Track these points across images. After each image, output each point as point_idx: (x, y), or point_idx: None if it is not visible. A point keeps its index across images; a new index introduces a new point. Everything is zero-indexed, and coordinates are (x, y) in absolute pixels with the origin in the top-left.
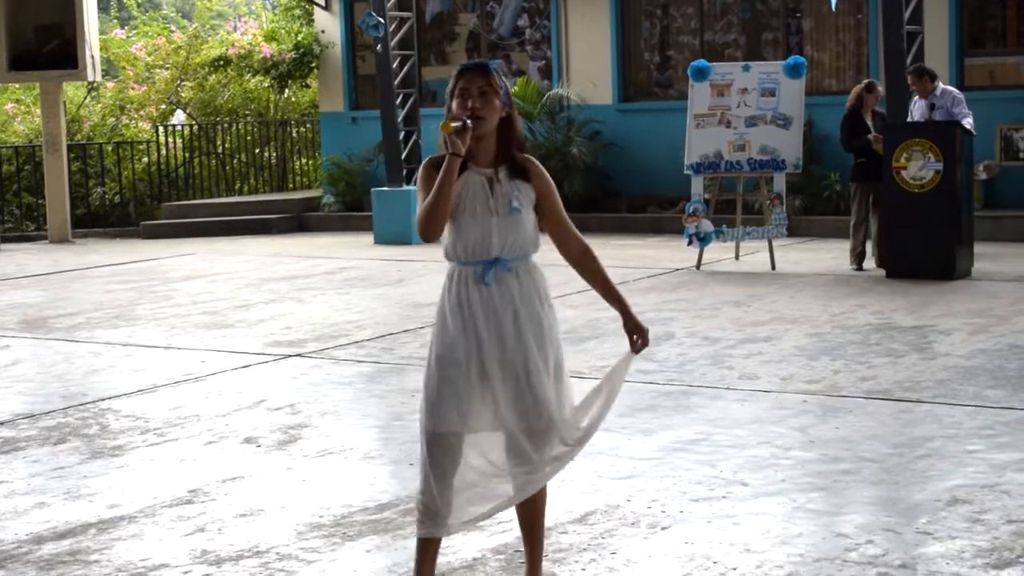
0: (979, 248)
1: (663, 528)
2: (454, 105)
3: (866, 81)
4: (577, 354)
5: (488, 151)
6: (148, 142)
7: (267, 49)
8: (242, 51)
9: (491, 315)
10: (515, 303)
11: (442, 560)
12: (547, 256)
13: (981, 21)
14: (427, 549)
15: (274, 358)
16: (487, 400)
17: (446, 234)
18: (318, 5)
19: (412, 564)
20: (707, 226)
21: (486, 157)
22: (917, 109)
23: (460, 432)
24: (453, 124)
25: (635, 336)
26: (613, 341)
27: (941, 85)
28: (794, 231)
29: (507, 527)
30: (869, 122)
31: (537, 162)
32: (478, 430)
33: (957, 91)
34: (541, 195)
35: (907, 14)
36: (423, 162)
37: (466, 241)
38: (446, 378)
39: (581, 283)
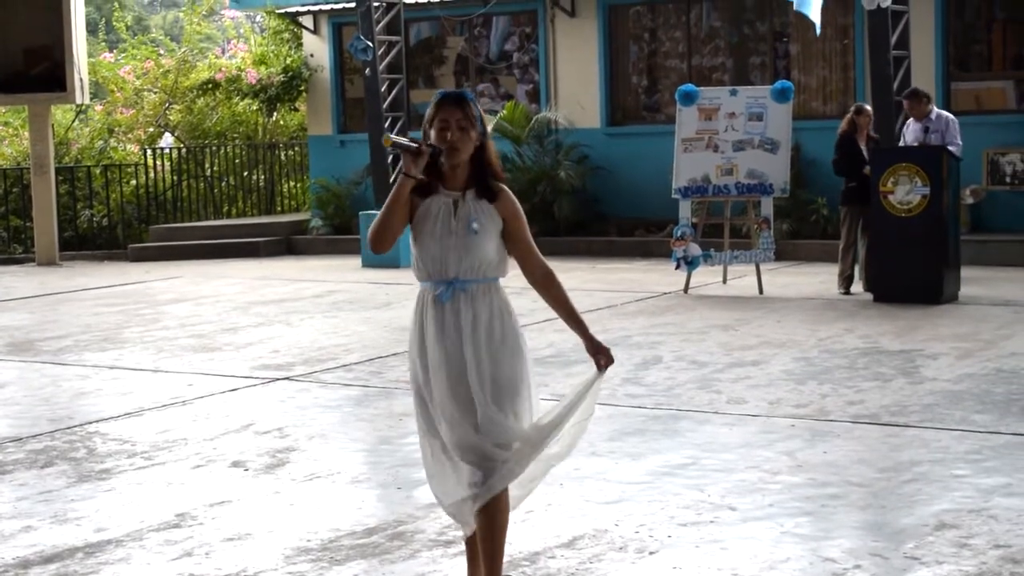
0: (966, 272)
1: (651, 553)
2: (433, 134)
3: (855, 105)
4: (565, 378)
5: (460, 177)
6: (136, 165)
7: (252, 75)
8: (230, 75)
9: (442, 334)
10: (475, 319)
11: None
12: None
13: (967, 46)
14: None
15: (262, 381)
16: (444, 416)
17: (414, 254)
18: (307, 29)
19: None
20: (695, 250)
21: (457, 182)
22: (911, 132)
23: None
24: (395, 139)
25: (599, 357)
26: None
27: (935, 109)
28: (781, 255)
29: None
30: (863, 145)
31: (506, 188)
32: (446, 440)
33: (952, 116)
34: (506, 218)
35: (893, 39)
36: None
37: (426, 260)
38: (416, 394)
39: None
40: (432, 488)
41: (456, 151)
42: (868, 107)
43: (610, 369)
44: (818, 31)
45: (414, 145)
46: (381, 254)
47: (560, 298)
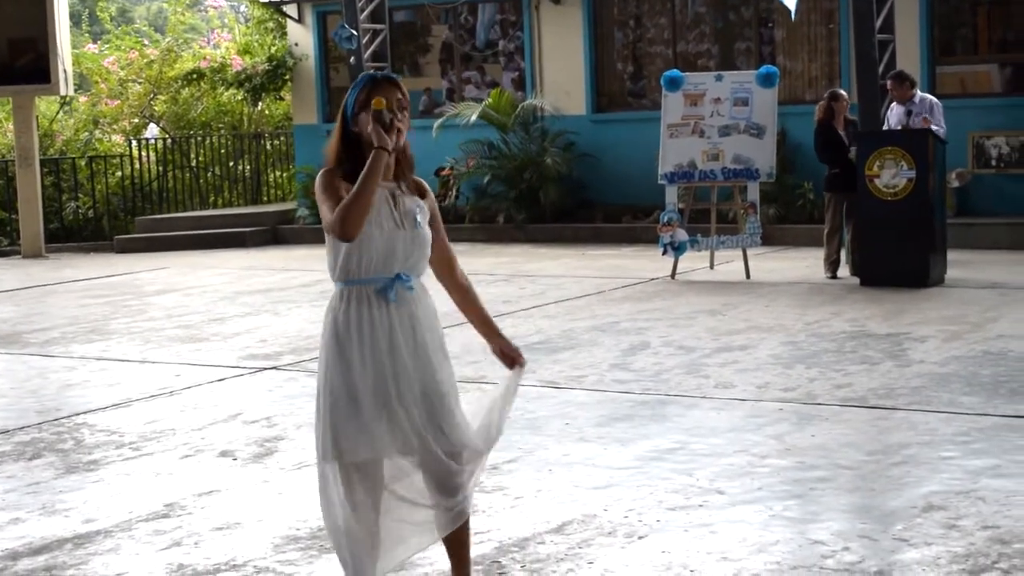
0: (952, 255)
1: (640, 537)
2: (365, 117)
3: (829, 92)
4: (552, 364)
5: (389, 166)
6: (121, 156)
7: (238, 61)
8: (214, 64)
9: (391, 334)
10: (414, 321)
11: None
12: (522, 268)
13: (952, 29)
14: None
15: (249, 371)
16: (396, 424)
17: (338, 252)
18: (291, 18)
19: None
20: (681, 235)
21: (387, 172)
22: (894, 115)
23: (376, 458)
24: (385, 111)
25: (516, 357)
26: (588, 351)
27: (919, 92)
28: (768, 240)
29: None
30: (841, 131)
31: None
32: (390, 455)
33: (936, 99)
34: (432, 215)
35: (878, 23)
36: (320, 172)
37: (370, 255)
38: (350, 407)
39: (556, 294)
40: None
41: (401, 133)
42: (843, 92)
43: (600, 354)
44: (793, 16)
45: (389, 115)
46: (351, 241)
47: (477, 300)
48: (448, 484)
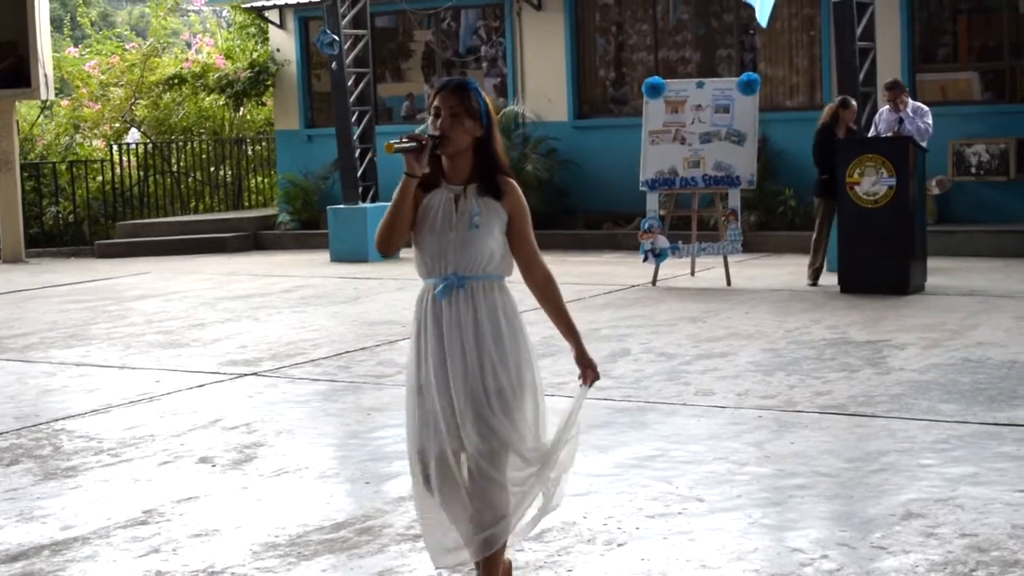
0: (932, 263)
1: (619, 545)
2: (429, 122)
3: (840, 98)
4: (550, 364)
5: (462, 170)
6: (102, 161)
7: (221, 61)
8: (195, 70)
9: (445, 333)
10: (470, 322)
11: None
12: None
13: (932, 37)
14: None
15: (229, 377)
16: (451, 420)
17: (414, 250)
18: (273, 23)
19: None
20: (663, 242)
21: (459, 176)
22: (884, 122)
23: (441, 449)
24: (397, 145)
25: (587, 371)
26: (568, 358)
27: (909, 100)
28: (749, 247)
29: None
30: (843, 138)
31: (514, 184)
32: (457, 449)
33: (923, 105)
34: (512, 216)
35: (859, 30)
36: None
37: (425, 255)
38: (415, 401)
39: (535, 301)
40: (424, 537)
41: (445, 139)
42: (853, 101)
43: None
44: (764, 24)
45: (414, 144)
46: (389, 256)
47: (559, 306)
48: (488, 498)
